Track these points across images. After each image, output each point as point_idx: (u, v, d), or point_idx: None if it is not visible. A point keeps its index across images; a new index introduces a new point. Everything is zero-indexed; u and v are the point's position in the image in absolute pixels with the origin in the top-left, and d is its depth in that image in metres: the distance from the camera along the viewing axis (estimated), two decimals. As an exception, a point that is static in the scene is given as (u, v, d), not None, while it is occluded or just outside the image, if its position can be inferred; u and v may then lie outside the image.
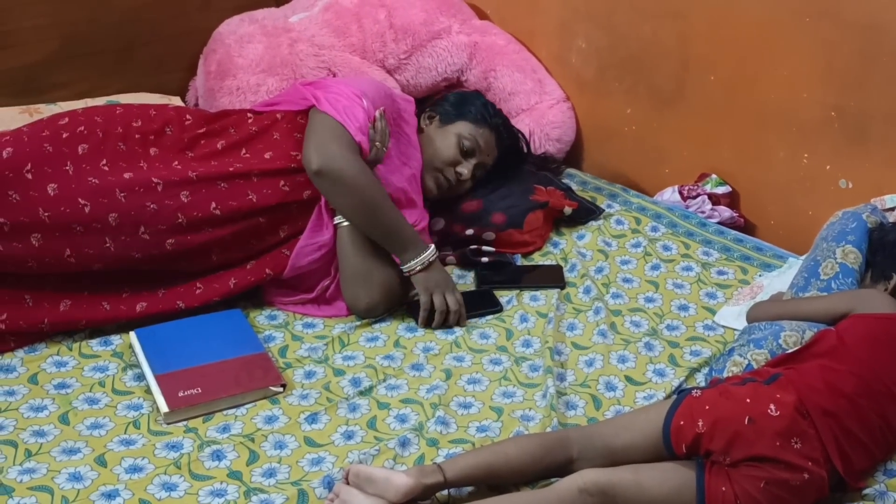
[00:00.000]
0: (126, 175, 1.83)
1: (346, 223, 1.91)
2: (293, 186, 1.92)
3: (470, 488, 1.52)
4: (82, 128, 1.86)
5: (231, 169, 1.90)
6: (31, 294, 1.78)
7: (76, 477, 1.49)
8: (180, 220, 1.84)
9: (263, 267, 1.94)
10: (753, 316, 1.86)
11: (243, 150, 1.97)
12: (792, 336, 1.72)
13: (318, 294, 1.98)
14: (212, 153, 1.94)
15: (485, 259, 2.15)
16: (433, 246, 1.96)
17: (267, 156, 1.95)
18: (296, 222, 1.95)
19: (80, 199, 1.78)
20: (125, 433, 1.60)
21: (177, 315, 1.87)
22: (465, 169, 2.14)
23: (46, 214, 1.75)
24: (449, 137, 2.15)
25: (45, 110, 2.28)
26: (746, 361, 1.71)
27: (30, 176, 1.76)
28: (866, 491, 1.50)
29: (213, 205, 1.87)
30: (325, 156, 1.86)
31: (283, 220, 1.94)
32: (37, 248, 1.75)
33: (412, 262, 1.91)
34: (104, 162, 1.84)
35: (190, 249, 1.87)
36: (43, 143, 1.81)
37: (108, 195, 1.80)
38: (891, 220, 1.92)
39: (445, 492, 1.50)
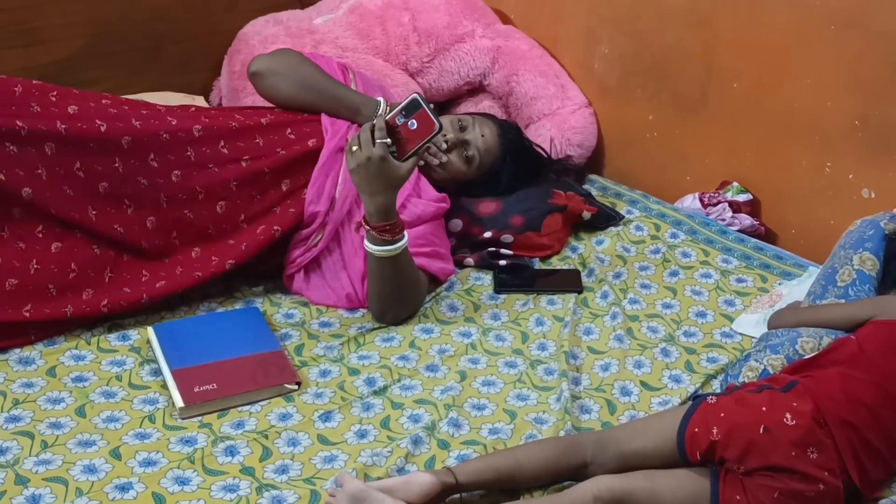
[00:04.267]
0: (143, 111, 1.95)
1: (376, 251, 1.86)
2: (299, 135, 2.02)
3: (481, 492, 1.52)
4: (108, 101, 1.99)
5: (240, 115, 2.05)
6: (54, 284, 1.81)
7: (91, 469, 1.51)
8: (188, 153, 1.93)
9: (272, 224, 1.97)
10: (774, 324, 1.85)
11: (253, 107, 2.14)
12: (809, 342, 1.70)
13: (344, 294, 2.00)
14: (226, 110, 2.10)
15: (503, 262, 2.15)
16: (382, 99, 2.06)
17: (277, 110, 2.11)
18: (298, 176, 2.00)
19: (97, 120, 1.87)
20: (140, 427, 1.61)
21: (196, 289, 1.92)
22: (452, 134, 2.14)
23: (63, 127, 1.82)
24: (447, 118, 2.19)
25: (71, 107, 2.32)
26: (762, 367, 1.70)
27: (53, 98, 1.87)
28: (882, 502, 1.48)
29: (222, 143, 1.96)
30: (256, 60, 2.09)
31: (286, 170, 2.00)
32: (49, 156, 1.81)
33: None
34: (126, 106, 1.97)
35: (194, 189, 1.93)
36: (72, 90, 1.93)
37: (125, 121, 1.90)
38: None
39: (458, 496, 1.49)
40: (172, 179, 1.91)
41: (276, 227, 1.97)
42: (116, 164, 1.87)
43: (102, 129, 1.85)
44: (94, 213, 1.85)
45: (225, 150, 1.97)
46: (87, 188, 1.84)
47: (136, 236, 1.88)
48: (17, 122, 1.78)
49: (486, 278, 2.14)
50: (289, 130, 2.03)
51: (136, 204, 1.89)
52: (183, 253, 1.93)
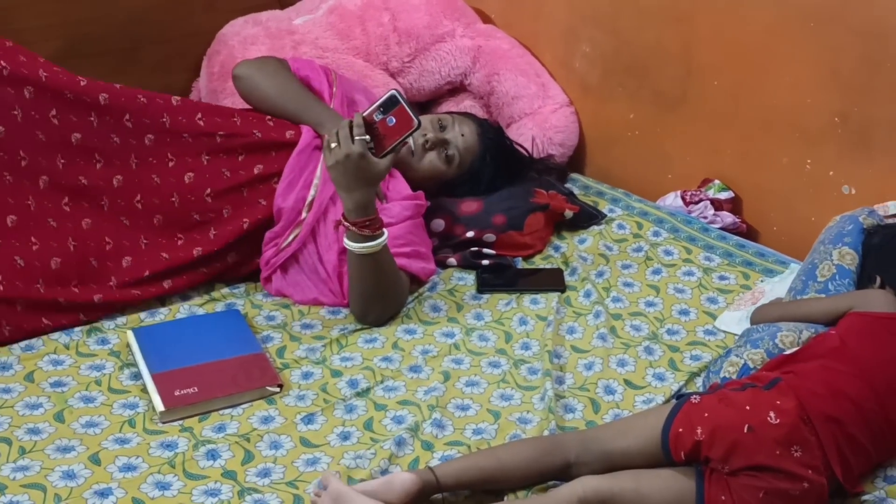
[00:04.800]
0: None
1: (356, 248, 1.85)
2: (278, 124, 2.05)
3: (466, 493, 1.51)
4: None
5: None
6: (20, 255, 1.81)
7: (69, 475, 1.49)
8: (164, 120, 1.97)
9: (241, 217, 1.98)
10: (756, 319, 1.85)
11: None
12: (788, 336, 1.71)
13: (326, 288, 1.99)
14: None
15: (485, 262, 2.14)
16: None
17: None
18: (272, 164, 2.01)
19: (79, 77, 1.92)
20: (120, 432, 1.60)
21: (164, 272, 1.93)
22: (432, 134, 2.14)
23: (45, 75, 1.87)
24: (427, 117, 2.19)
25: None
26: (742, 361, 1.70)
27: (41, 60, 1.91)
28: (866, 497, 1.48)
29: (199, 115, 2.00)
30: (239, 65, 2.13)
31: (260, 154, 2.01)
32: (27, 99, 1.85)
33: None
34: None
35: (166, 155, 1.95)
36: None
37: (105, 83, 1.95)
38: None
39: (440, 496, 1.48)
40: (145, 142, 1.95)
41: (244, 220, 1.98)
42: (91, 119, 1.91)
43: (82, 84, 1.90)
44: (62, 161, 1.89)
45: (201, 123, 2.00)
46: (60, 136, 1.88)
47: (99, 191, 1.91)
48: (1, 62, 1.83)
49: (469, 278, 2.13)
50: (269, 118, 2.06)
51: (106, 160, 1.93)
52: (145, 219, 1.94)
